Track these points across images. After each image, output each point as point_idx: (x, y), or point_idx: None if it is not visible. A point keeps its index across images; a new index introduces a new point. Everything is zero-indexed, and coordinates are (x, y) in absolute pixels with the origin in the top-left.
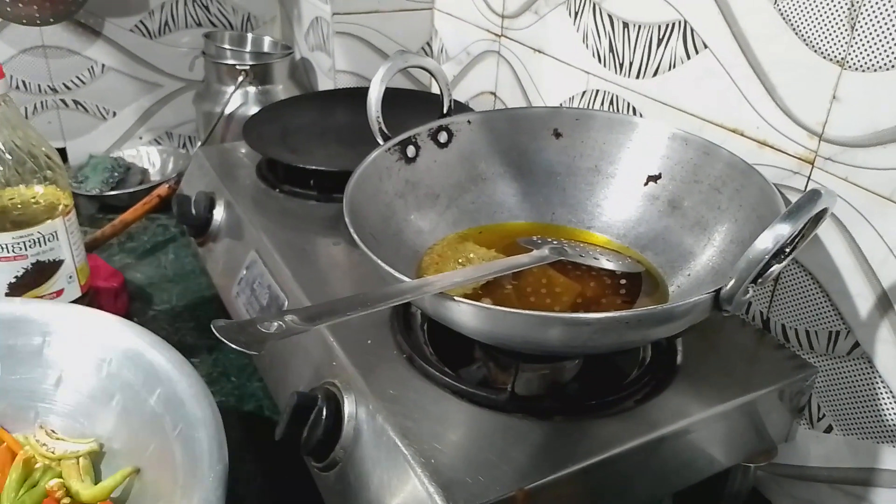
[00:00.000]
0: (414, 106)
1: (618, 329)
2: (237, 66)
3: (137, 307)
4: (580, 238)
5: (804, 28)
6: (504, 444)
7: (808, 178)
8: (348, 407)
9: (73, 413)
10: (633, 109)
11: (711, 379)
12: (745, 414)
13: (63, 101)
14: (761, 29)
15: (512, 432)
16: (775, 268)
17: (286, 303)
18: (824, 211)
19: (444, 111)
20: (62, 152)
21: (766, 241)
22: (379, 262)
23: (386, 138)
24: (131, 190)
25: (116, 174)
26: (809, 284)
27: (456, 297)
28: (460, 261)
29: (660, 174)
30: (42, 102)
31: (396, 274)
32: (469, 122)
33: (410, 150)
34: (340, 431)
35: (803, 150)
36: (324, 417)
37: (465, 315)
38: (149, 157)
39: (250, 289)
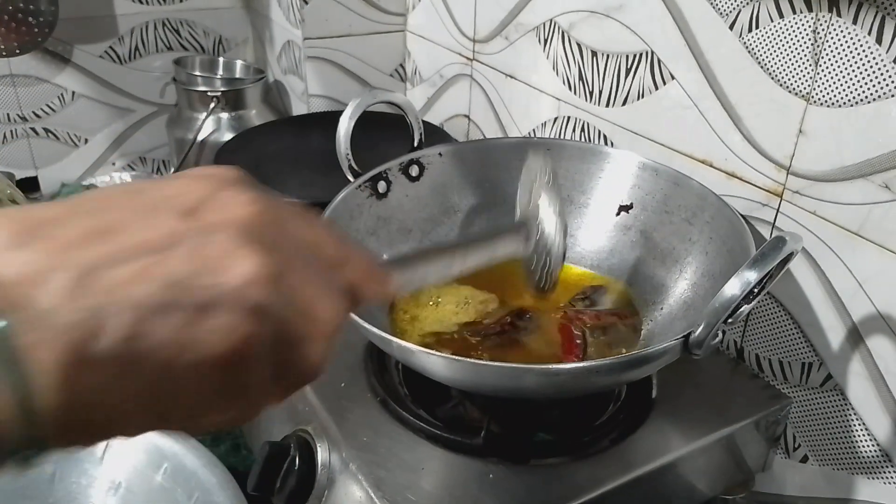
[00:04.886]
0: (388, 131)
1: (588, 377)
2: (208, 93)
3: None
4: None
5: (769, 62)
6: (479, 491)
7: (777, 210)
8: (321, 455)
9: (76, 498)
10: (605, 137)
11: (688, 412)
12: (723, 447)
13: (33, 129)
14: (727, 62)
15: (487, 479)
16: (745, 308)
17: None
18: (791, 255)
19: (415, 144)
20: (34, 181)
21: (734, 287)
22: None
23: (356, 175)
24: None
25: None
26: (782, 316)
27: (424, 350)
28: (434, 300)
29: (631, 204)
30: (12, 131)
31: (368, 326)
32: (440, 154)
33: (381, 186)
34: (314, 480)
35: (772, 182)
36: (296, 467)
37: (435, 366)
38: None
39: None
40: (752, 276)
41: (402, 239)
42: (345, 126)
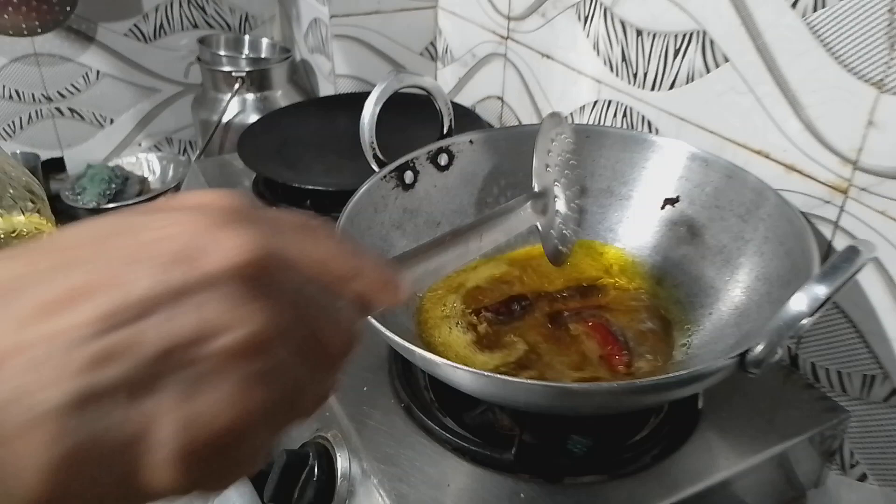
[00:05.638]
0: (417, 113)
1: (630, 396)
2: (233, 73)
3: None
4: (595, 262)
5: (837, 44)
6: None
7: (841, 208)
8: (341, 464)
9: None
10: (649, 123)
11: (737, 426)
12: (775, 463)
13: (58, 109)
14: (788, 44)
15: (517, 498)
16: (807, 321)
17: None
18: (862, 266)
19: (444, 132)
20: (60, 162)
21: (800, 303)
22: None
23: (381, 164)
24: (130, 202)
25: (114, 185)
26: (842, 323)
27: (450, 363)
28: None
29: (678, 197)
30: (37, 112)
31: (391, 335)
32: (471, 142)
33: (408, 176)
34: (333, 491)
35: (835, 177)
36: (315, 478)
37: (462, 380)
38: (149, 165)
39: None
40: (821, 291)
41: (430, 233)
42: (369, 112)
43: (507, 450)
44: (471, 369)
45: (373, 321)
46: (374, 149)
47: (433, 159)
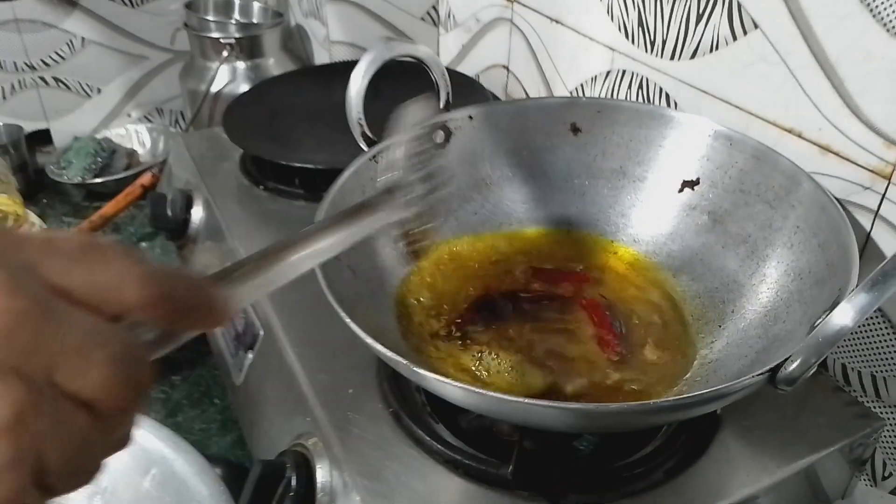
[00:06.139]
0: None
1: (641, 416)
2: (221, 40)
3: None
4: (603, 249)
5: (884, 9)
6: None
7: (883, 195)
8: (321, 476)
9: None
10: (667, 97)
11: (759, 436)
12: (801, 477)
13: (42, 78)
14: (827, 7)
15: None
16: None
17: (261, 332)
18: None
19: (442, 105)
20: (46, 134)
21: (845, 316)
22: (347, 319)
23: (371, 143)
24: (117, 177)
25: (100, 159)
26: (879, 323)
27: (439, 378)
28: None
29: (698, 179)
30: (20, 81)
31: (369, 340)
32: (470, 117)
33: None
34: None
35: (877, 161)
36: (292, 491)
37: (452, 394)
38: (138, 137)
39: None
40: (866, 301)
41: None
42: (356, 86)
43: (505, 462)
44: (462, 385)
45: (347, 320)
46: (361, 126)
47: (429, 137)
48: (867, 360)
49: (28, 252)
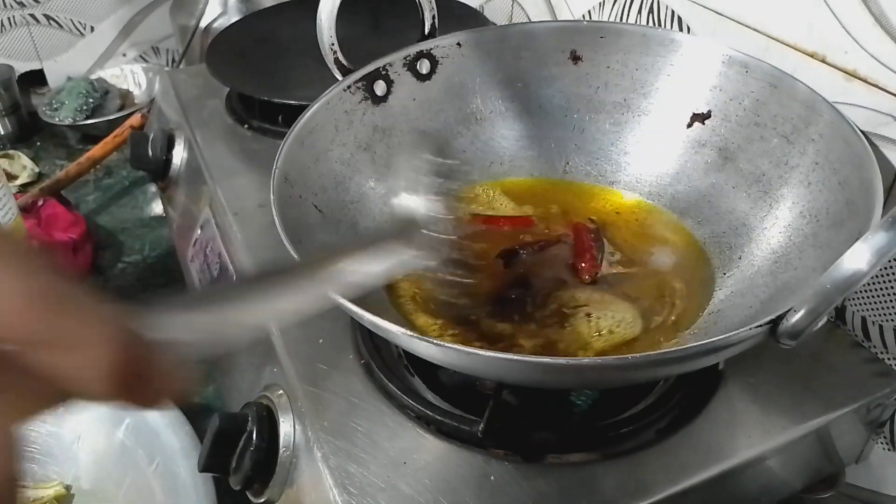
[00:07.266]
0: (397, 9)
1: (628, 371)
2: None
3: (106, 258)
4: (599, 196)
5: None
6: (476, 499)
7: None
8: (284, 432)
9: (32, 456)
10: (679, 20)
11: (766, 394)
12: (812, 440)
13: (32, 15)
14: None
15: (487, 482)
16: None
17: (235, 278)
18: None
19: (426, 31)
20: (39, 74)
21: (859, 259)
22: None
23: (346, 72)
24: (110, 118)
25: (92, 100)
26: None
27: (409, 333)
28: None
29: (709, 112)
30: (9, 19)
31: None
32: (458, 44)
33: (380, 87)
34: (276, 462)
35: None
36: (253, 447)
37: (428, 351)
38: (134, 77)
39: (203, 254)
40: (887, 242)
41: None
42: (328, 7)
43: (479, 418)
44: (435, 341)
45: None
46: (335, 52)
47: (411, 66)
48: (890, 313)
49: None
